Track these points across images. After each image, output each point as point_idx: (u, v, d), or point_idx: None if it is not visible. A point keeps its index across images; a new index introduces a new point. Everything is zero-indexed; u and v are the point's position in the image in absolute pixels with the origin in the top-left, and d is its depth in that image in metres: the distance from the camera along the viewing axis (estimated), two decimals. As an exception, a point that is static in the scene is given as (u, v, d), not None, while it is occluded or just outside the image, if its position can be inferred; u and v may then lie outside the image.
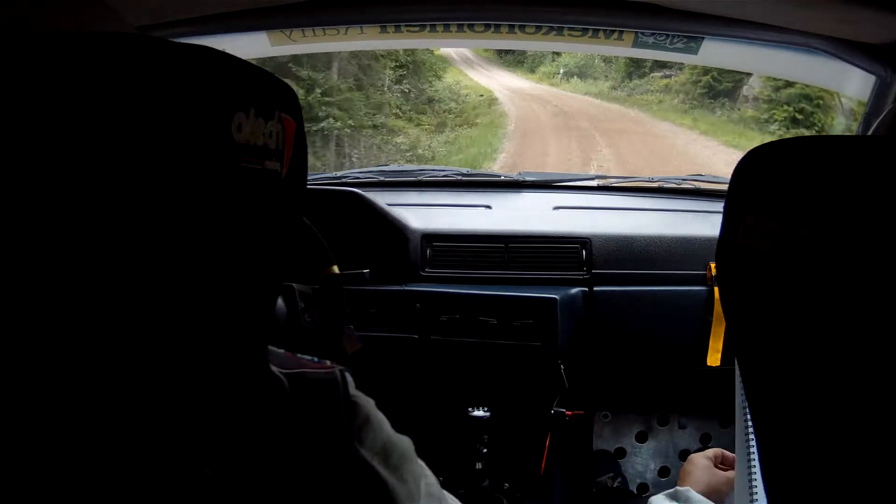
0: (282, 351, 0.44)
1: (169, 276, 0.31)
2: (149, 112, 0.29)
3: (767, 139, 0.37)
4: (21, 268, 0.28)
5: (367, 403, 0.45)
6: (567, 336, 1.24)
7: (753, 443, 0.75)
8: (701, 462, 0.80)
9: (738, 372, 0.74)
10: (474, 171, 1.78)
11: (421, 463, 0.49)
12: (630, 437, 1.34)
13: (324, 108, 7.56)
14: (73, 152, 0.28)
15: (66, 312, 0.29)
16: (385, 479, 0.42)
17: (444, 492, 0.52)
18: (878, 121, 0.43)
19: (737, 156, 0.40)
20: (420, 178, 1.72)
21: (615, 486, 1.32)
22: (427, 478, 0.49)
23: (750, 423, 0.76)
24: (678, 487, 0.73)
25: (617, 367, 1.27)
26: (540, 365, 1.25)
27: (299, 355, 0.43)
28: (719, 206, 0.37)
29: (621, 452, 1.34)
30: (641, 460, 1.34)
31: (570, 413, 1.24)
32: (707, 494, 0.74)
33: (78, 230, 0.28)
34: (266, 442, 0.38)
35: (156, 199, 0.30)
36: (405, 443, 0.47)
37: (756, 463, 0.76)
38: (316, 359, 0.44)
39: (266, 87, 0.34)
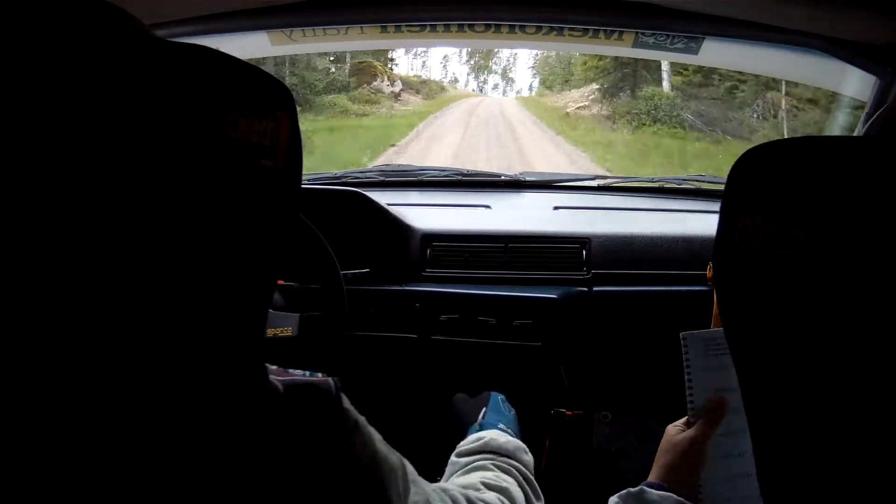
0: (273, 367, 0.44)
1: (163, 274, 0.31)
2: (144, 110, 0.29)
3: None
4: (18, 266, 0.28)
5: (359, 417, 0.45)
6: (567, 336, 1.24)
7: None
8: (667, 433, 0.78)
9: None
10: (474, 171, 1.78)
11: (410, 479, 0.50)
12: (630, 438, 1.34)
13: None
14: (68, 150, 0.28)
15: (63, 312, 0.29)
16: (377, 479, 0.43)
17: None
18: (871, 119, 0.43)
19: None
20: (420, 177, 1.72)
21: (615, 486, 1.32)
22: (417, 484, 0.50)
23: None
24: (630, 489, 0.72)
25: (617, 367, 1.27)
26: (540, 365, 1.24)
27: (291, 371, 0.44)
28: (719, 206, 0.37)
29: (621, 452, 1.34)
30: (641, 460, 1.33)
31: (570, 413, 1.24)
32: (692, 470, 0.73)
33: (73, 229, 0.29)
34: (260, 442, 0.38)
35: (150, 197, 0.30)
36: (393, 459, 0.47)
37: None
38: (308, 374, 0.44)
39: (260, 85, 0.34)
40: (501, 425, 0.91)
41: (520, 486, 0.73)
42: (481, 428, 0.89)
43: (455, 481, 0.68)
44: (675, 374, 0.93)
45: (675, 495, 0.69)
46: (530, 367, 1.25)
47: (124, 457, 0.33)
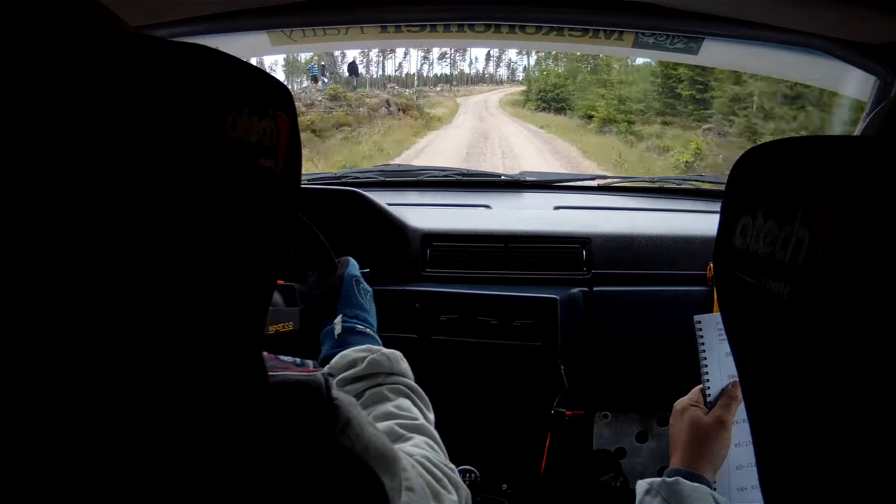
0: (264, 353, 0.44)
1: (163, 273, 0.31)
2: (143, 110, 0.29)
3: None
4: (17, 266, 0.28)
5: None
6: (567, 336, 1.24)
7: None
8: (690, 414, 0.77)
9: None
10: (474, 171, 1.78)
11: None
12: (630, 437, 1.34)
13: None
14: (68, 150, 0.28)
15: (62, 311, 0.29)
16: (374, 471, 0.43)
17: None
18: (869, 118, 0.42)
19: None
20: (420, 178, 1.72)
21: (615, 486, 1.32)
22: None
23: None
24: (666, 479, 0.71)
25: (617, 367, 1.27)
26: (540, 365, 1.24)
27: (282, 357, 0.44)
28: (719, 206, 0.37)
29: (621, 452, 1.34)
30: (641, 460, 1.34)
31: (570, 413, 1.24)
32: (712, 453, 0.72)
33: (72, 228, 0.28)
34: (258, 440, 0.38)
35: (150, 196, 0.30)
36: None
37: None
38: (298, 360, 0.44)
39: (260, 86, 0.34)
40: (359, 327, 0.87)
41: (413, 403, 0.75)
42: (341, 337, 0.85)
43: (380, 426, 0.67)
44: (675, 374, 0.93)
45: (707, 488, 0.68)
46: (530, 367, 1.25)
47: (121, 454, 0.33)
